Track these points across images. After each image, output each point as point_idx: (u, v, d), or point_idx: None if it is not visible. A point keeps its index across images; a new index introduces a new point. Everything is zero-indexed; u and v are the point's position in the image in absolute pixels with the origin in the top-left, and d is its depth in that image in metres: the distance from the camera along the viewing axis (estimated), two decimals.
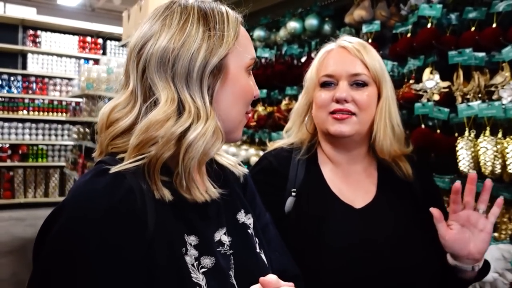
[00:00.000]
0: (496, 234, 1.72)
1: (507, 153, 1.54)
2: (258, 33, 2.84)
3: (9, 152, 7.40)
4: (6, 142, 7.36)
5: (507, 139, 1.56)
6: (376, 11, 2.11)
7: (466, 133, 1.69)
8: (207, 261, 0.81)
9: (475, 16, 1.76)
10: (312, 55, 2.53)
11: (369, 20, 2.12)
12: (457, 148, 1.68)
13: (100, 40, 8.29)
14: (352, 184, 1.26)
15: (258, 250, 0.95)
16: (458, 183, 1.10)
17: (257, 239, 0.96)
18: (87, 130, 5.90)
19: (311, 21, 2.44)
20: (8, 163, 7.35)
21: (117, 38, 8.18)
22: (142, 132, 0.77)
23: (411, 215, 1.22)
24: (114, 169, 0.76)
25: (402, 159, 1.27)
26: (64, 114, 7.79)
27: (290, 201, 1.22)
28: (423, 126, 1.87)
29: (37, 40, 7.74)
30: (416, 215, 1.22)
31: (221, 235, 0.88)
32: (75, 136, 6.21)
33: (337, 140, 1.24)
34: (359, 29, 2.22)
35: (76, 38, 8.06)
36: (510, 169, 1.53)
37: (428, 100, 1.85)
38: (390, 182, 1.27)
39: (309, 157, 1.29)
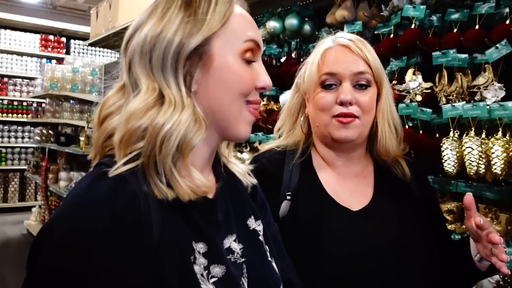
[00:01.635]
0: None
1: (492, 153, 1.55)
2: None
3: None
4: None
5: (492, 139, 1.58)
6: (358, 11, 2.10)
7: (451, 133, 1.70)
8: (217, 270, 0.75)
9: (457, 18, 1.77)
10: (292, 55, 2.51)
11: (351, 21, 2.11)
12: (442, 149, 1.68)
13: (63, 39, 8.01)
14: (348, 187, 1.22)
15: (269, 258, 0.89)
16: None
17: (267, 247, 0.91)
18: (50, 132, 5.68)
19: (291, 21, 2.41)
20: None
21: (82, 37, 7.94)
22: (123, 125, 0.72)
23: (409, 216, 1.19)
24: (112, 172, 0.70)
25: (401, 159, 1.25)
26: (25, 115, 7.47)
27: (285, 205, 1.17)
28: (407, 126, 1.87)
29: None
30: (414, 216, 1.20)
31: (231, 242, 0.82)
32: (37, 138, 5.96)
33: (338, 143, 1.20)
34: (340, 29, 2.21)
35: (38, 36, 7.76)
36: (494, 169, 1.54)
37: (411, 100, 1.86)
38: (387, 183, 1.24)
39: (303, 160, 1.24)
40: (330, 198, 1.19)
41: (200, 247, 0.75)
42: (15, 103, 7.50)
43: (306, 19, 2.45)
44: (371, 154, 1.27)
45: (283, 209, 1.18)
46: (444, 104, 1.76)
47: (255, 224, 0.91)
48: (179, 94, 0.75)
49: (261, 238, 0.91)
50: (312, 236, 1.13)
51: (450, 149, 1.67)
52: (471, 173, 1.62)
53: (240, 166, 0.97)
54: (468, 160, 1.61)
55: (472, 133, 1.65)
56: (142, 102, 0.73)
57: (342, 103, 1.15)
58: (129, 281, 0.65)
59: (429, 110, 1.80)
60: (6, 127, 7.40)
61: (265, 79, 0.83)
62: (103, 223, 0.65)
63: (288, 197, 1.18)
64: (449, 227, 1.83)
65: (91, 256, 0.64)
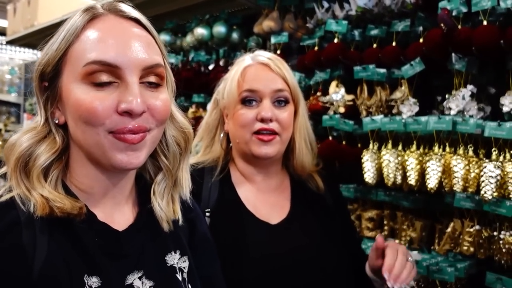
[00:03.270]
0: (396, 241, 1.82)
1: (407, 165, 1.63)
2: (164, 37, 2.72)
3: None
4: None
5: (407, 152, 1.66)
6: (285, 23, 2.13)
7: (371, 146, 1.77)
8: None
9: (377, 34, 1.85)
10: (221, 63, 2.49)
11: (277, 31, 2.14)
12: (362, 160, 1.75)
13: None
14: (267, 201, 1.26)
15: None
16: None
17: (190, 286, 0.87)
18: None
19: (219, 29, 2.39)
20: None
21: None
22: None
23: (325, 225, 1.26)
24: (3, 197, 0.71)
25: (315, 174, 1.31)
26: None
27: None
28: (330, 138, 1.92)
29: None
30: (329, 225, 1.26)
31: (135, 279, 0.78)
32: None
33: (257, 159, 1.22)
34: (267, 39, 2.23)
35: None
36: (410, 180, 1.63)
37: (335, 112, 1.91)
38: (303, 196, 1.30)
39: (222, 176, 1.26)
40: (249, 214, 1.22)
41: (93, 281, 0.72)
42: None
43: (234, 27, 2.45)
44: (287, 169, 1.32)
45: None
46: (364, 116, 1.83)
47: (177, 261, 0.87)
48: (39, 119, 0.78)
49: (180, 275, 0.86)
50: (233, 252, 1.14)
51: (370, 161, 1.74)
52: (389, 184, 1.69)
53: (165, 209, 0.87)
54: (386, 171, 1.69)
55: (389, 145, 1.73)
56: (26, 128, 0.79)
57: (262, 120, 1.18)
58: None
59: (351, 122, 1.87)
60: None
61: (127, 101, 0.72)
62: None
63: (208, 214, 1.20)
64: (369, 234, 1.91)
65: None
